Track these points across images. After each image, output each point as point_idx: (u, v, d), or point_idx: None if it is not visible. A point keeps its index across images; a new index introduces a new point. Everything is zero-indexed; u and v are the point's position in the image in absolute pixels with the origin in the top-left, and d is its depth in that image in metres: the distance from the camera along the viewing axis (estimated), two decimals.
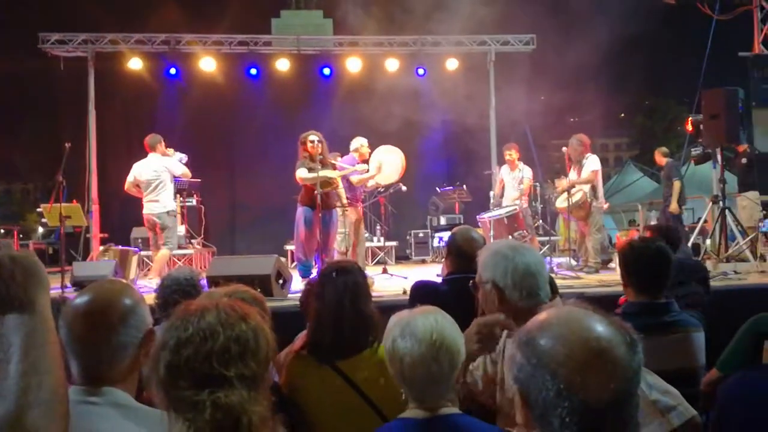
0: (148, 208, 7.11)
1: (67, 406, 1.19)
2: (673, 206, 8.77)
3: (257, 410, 1.29)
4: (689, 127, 9.05)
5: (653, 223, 9.91)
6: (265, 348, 1.37)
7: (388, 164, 7.39)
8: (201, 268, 8.74)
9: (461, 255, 3.15)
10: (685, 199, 9.05)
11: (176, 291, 3.03)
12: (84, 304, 1.64)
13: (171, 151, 7.32)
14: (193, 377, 1.29)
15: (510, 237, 7.98)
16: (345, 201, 7.25)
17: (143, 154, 7.28)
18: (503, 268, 2.07)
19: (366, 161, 7.43)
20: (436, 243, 10.82)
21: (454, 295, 2.91)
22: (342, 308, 2.40)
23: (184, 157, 7.33)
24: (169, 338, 1.33)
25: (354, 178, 7.20)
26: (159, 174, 7.11)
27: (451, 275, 3.17)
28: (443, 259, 3.45)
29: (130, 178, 7.16)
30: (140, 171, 7.11)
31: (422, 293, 3.09)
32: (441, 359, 1.74)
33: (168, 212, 7.13)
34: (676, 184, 8.79)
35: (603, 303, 1.14)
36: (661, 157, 9.20)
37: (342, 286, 2.43)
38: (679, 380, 2.24)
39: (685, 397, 1.96)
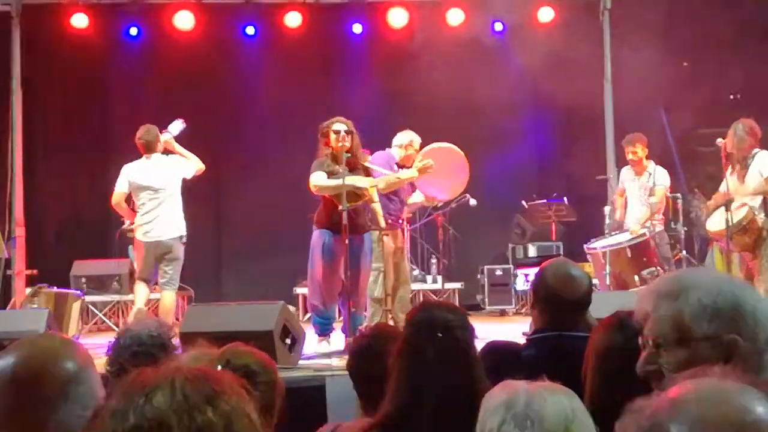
0: (154, 232, 7.43)
1: None
2: None
3: None
4: None
5: None
6: None
7: (442, 171, 7.44)
8: (173, 319, 8.90)
9: (554, 303, 3.17)
10: None
11: (137, 354, 3.11)
12: (6, 370, 1.67)
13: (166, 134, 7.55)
14: None
15: (636, 277, 7.90)
16: (382, 221, 7.30)
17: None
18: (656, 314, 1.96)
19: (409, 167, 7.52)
20: (521, 285, 10.78)
21: (545, 363, 2.93)
22: (449, 386, 2.43)
23: (179, 123, 7.51)
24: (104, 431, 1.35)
25: (383, 182, 7.24)
26: (168, 182, 7.41)
27: (539, 333, 3.20)
28: (531, 309, 3.50)
29: (120, 188, 7.46)
30: (139, 177, 7.37)
31: (496, 361, 3.09)
32: None
33: (181, 237, 7.53)
34: None
35: None
36: None
37: (452, 351, 2.47)
38: None
39: None
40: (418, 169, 7.25)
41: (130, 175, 7.44)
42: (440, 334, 2.49)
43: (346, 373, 3.31)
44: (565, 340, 3.04)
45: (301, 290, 10.13)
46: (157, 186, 7.39)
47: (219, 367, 2.15)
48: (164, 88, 11.09)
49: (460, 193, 7.96)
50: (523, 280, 10.74)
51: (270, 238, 10.94)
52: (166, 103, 10.62)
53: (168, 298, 7.51)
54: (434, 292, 10.37)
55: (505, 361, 3.12)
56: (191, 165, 7.57)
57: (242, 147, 11.73)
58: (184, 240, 7.65)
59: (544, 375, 1.95)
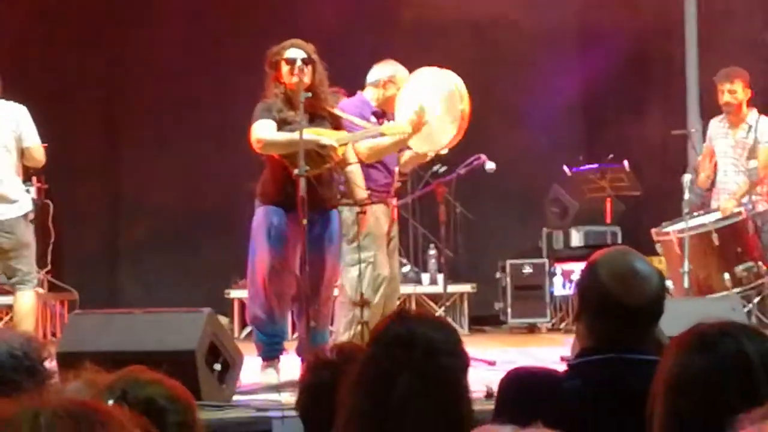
0: None
1: None
2: None
3: None
4: None
5: None
6: None
7: (435, 107, 7.47)
8: (47, 333, 8.87)
9: (610, 312, 3.14)
10: None
11: None
12: None
13: None
14: None
15: (726, 275, 7.90)
16: (361, 192, 7.33)
17: None
18: None
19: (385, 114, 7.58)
20: (560, 288, 10.90)
21: (595, 398, 3.01)
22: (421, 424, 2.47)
23: None
24: None
25: (364, 143, 7.31)
26: (2, 137, 7.46)
27: (587, 356, 3.20)
28: (574, 323, 3.52)
29: None
30: None
31: (522, 396, 3.13)
32: None
33: (25, 216, 7.63)
34: None
35: None
36: None
37: (435, 386, 2.49)
38: None
39: None
40: (413, 124, 7.22)
41: None
42: (406, 350, 2.48)
43: None
44: (625, 366, 3.03)
45: (237, 293, 10.19)
46: None
47: (110, 402, 2.10)
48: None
49: (453, 138, 7.64)
50: (563, 280, 10.82)
51: (190, 220, 11.07)
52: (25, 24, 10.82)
53: (25, 299, 7.55)
54: (433, 297, 10.51)
55: (537, 396, 3.07)
56: (35, 138, 7.65)
57: (145, 89, 11.72)
58: (32, 218, 7.78)
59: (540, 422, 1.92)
